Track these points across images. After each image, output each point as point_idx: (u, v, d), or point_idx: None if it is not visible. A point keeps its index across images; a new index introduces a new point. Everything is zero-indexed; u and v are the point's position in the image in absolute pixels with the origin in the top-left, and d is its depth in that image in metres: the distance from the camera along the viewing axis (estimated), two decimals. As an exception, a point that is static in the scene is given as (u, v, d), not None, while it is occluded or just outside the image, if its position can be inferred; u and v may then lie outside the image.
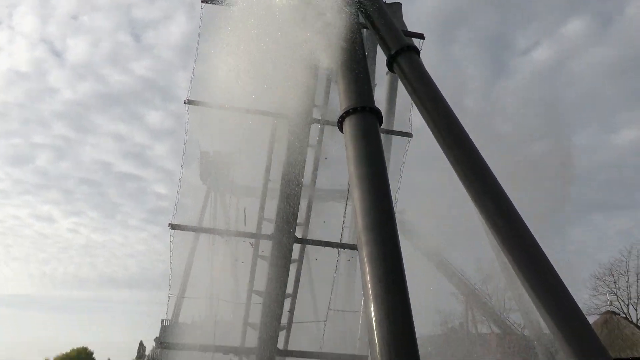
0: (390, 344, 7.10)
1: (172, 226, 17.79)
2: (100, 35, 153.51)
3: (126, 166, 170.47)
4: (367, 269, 7.88)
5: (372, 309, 7.49)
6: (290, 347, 17.36)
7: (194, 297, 25.26)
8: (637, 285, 44.27)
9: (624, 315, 40.38)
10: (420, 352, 7.21)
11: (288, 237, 16.92)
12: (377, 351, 7.11)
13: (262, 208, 18.38)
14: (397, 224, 8.75)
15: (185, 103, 17.03)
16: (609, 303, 42.93)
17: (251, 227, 19.24)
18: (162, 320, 31.05)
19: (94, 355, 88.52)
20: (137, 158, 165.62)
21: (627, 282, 44.92)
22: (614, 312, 37.48)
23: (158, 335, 31.30)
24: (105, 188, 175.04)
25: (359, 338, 19.50)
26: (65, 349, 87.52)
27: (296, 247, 17.73)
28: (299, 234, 17.92)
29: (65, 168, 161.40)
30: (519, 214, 10.17)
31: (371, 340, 7.30)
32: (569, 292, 9.38)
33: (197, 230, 25.42)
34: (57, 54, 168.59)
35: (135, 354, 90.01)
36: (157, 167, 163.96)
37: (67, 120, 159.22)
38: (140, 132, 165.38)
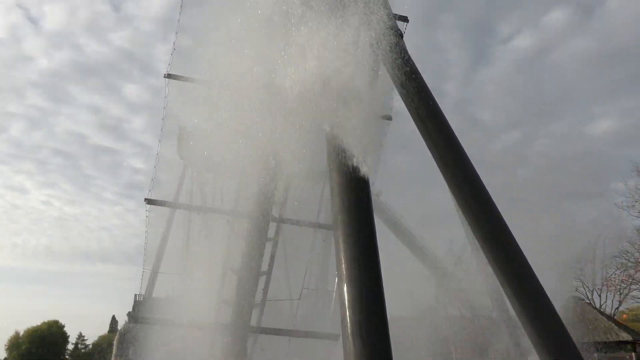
0: (361, 323, 7.26)
1: (148, 201, 17.76)
2: (78, 2, 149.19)
3: (102, 139, 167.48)
4: (341, 248, 8.00)
5: (345, 288, 7.63)
6: (264, 325, 17.54)
7: (169, 273, 25.25)
8: (602, 273, 45.67)
9: (588, 301, 41.67)
10: (390, 333, 7.39)
11: (265, 216, 16.98)
12: (349, 330, 7.26)
13: (239, 186, 18.36)
14: (374, 205, 8.86)
15: (165, 77, 16.84)
16: (574, 289, 44.24)
17: (228, 205, 19.24)
18: (136, 295, 30.95)
19: (65, 329, 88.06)
20: (113, 131, 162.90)
21: (592, 269, 46.27)
22: (578, 298, 38.69)
23: (131, 310, 31.26)
24: (79, 160, 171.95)
25: (331, 317, 19.78)
26: (36, 321, 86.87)
27: (272, 225, 17.80)
28: (275, 213, 17.98)
29: (39, 138, 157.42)
30: (492, 200, 10.40)
31: (343, 319, 7.44)
32: (536, 278, 9.68)
33: (173, 206, 25.31)
34: (33, 20, 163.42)
35: (108, 328, 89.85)
36: (134, 141, 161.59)
37: (42, 90, 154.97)
38: (117, 104, 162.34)
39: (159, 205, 18.92)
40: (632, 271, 41.36)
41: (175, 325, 17.76)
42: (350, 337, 7.21)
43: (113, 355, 28.85)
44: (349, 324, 7.33)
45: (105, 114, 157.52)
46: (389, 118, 19.70)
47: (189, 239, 25.73)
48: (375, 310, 7.45)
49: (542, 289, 9.72)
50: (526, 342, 9.53)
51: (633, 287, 42.55)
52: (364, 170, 8.56)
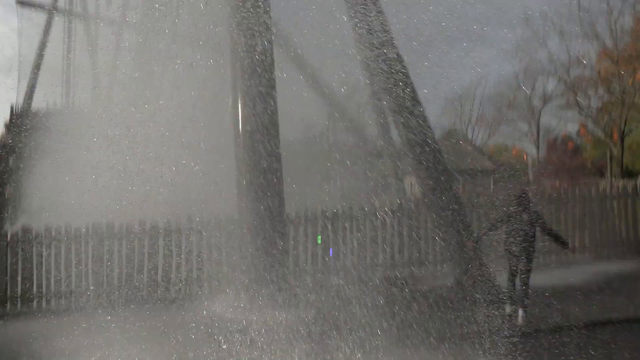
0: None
1: (21, 4, 15.68)
2: None
3: None
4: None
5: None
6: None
7: (48, 84, 23.47)
8: (479, 111, 49.96)
9: (464, 135, 45.96)
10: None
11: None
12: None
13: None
14: (274, 33, 8.47)
15: None
16: (453, 123, 48.37)
17: (115, 13, 17.58)
18: (12, 106, 28.96)
19: None
20: None
21: (471, 107, 50.37)
22: (456, 131, 42.54)
23: (7, 120, 29.42)
24: None
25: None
26: None
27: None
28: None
29: None
30: (393, 40, 10.34)
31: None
32: (423, 111, 10.24)
33: (50, 9, 22.59)
34: None
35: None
36: None
37: None
38: None
39: (33, 7, 16.76)
40: (504, 109, 45.64)
41: (60, 134, 16.98)
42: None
43: (-8, 167, 27.58)
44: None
45: None
46: None
47: (70, 48, 23.64)
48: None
49: (428, 122, 10.31)
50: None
51: (502, 125, 47.38)
52: None
